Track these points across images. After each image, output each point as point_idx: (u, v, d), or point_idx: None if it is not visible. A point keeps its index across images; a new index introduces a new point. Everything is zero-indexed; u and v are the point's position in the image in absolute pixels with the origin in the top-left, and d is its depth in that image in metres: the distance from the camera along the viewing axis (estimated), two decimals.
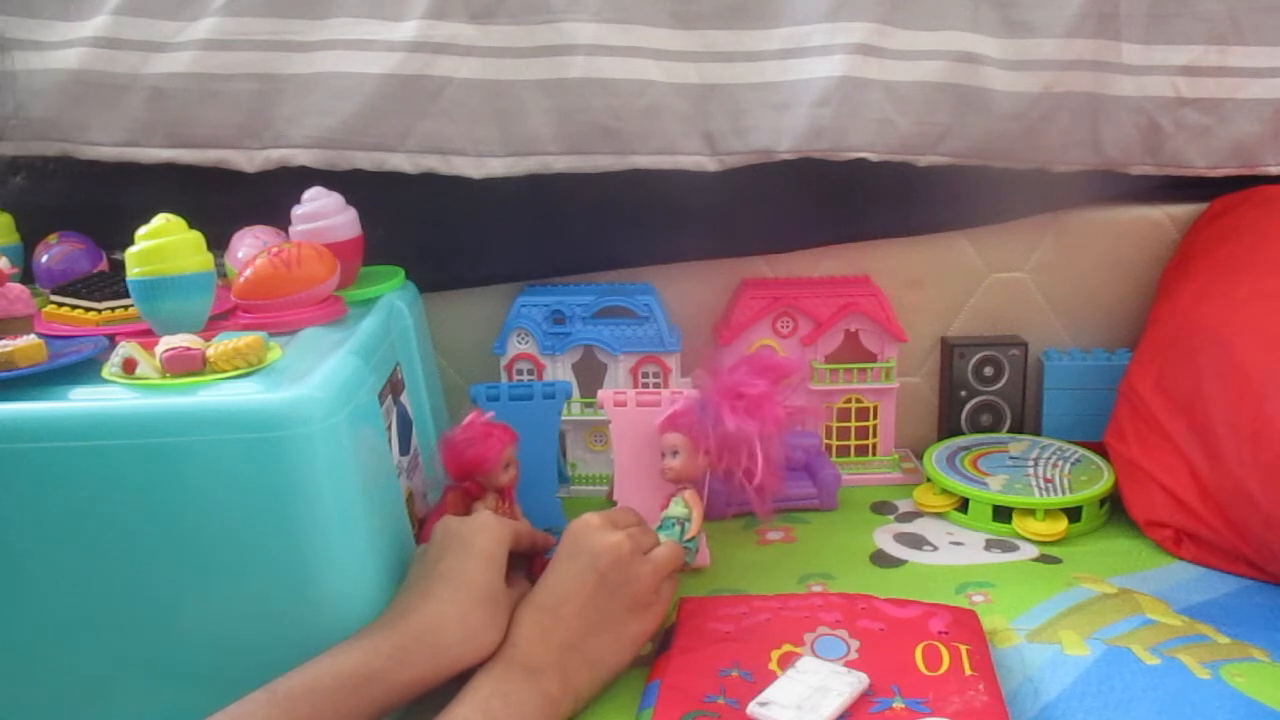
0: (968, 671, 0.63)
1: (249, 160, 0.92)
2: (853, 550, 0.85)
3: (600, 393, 0.85)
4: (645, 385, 0.97)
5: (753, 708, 0.60)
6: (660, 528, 0.76)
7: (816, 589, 0.79)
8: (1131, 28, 0.92)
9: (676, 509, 0.77)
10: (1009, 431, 1.03)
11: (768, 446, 0.76)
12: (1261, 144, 0.96)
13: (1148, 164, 0.97)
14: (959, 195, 0.97)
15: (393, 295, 0.87)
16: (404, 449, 0.79)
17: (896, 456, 1.01)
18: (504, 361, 0.98)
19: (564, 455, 0.99)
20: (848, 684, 0.62)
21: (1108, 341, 1.04)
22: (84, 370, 0.67)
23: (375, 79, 0.90)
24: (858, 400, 0.99)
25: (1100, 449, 0.93)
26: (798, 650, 0.67)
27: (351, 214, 0.85)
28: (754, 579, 0.80)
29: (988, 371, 1.02)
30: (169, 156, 0.92)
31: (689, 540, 0.76)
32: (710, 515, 0.89)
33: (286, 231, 0.84)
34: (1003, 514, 0.88)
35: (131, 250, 0.71)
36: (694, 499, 0.78)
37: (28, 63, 0.89)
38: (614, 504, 0.84)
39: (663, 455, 0.79)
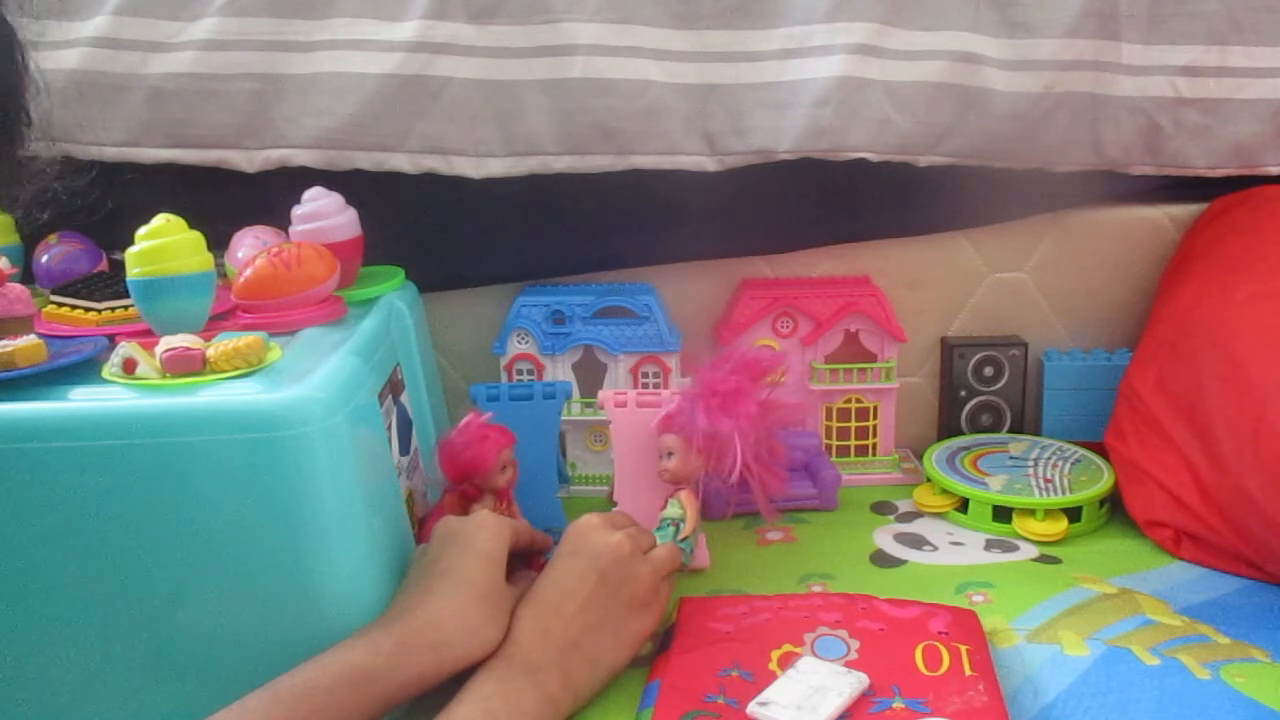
0: (968, 672, 0.63)
1: (249, 160, 0.92)
2: (853, 550, 0.85)
3: (600, 393, 0.85)
4: (645, 385, 0.97)
5: (753, 708, 0.60)
6: (657, 529, 0.76)
7: (816, 589, 0.79)
8: (1131, 28, 0.92)
9: (672, 510, 0.77)
10: (1009, 431, 1.03)
11: (747, 442, 0.76)
12: (1261, 144, 0.96)
13: (1148, 164, 0.97)
14: (959, 195, 0.97)
15: (393, 295, 0.87)
16: (404, 449, 0.79)
17: (896, 456, 1.01)
18: (504, 361, 0.98)
19: (564, 455, 0.99)
20: (848, 684, 0.62)
21: (1108, 341, 1.04)
22: (84, 370, 0.67)
23: (375, 79, 0.90)
24: (858, 400, 0.99)
25: (1100, 449, 0.93)
26: (798, 650, 0.67)
27: (351, 214, 0.85)
28: (754, 579, 0.80)
29: (988, 371, 1.02)
30: (169, 156, 0.92)
31: (683, 540, 0.76)
32: (711, 515, 0.89)
33: (286, 231, 0.85)
34: (1003, 514, 0.88)
35: (131, 250, 0.71)
36: (689, 499, 0.78)
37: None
38: (614, 504, 0.84)
39: (660, 457, 0.79)
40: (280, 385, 0.63)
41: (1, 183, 0.53)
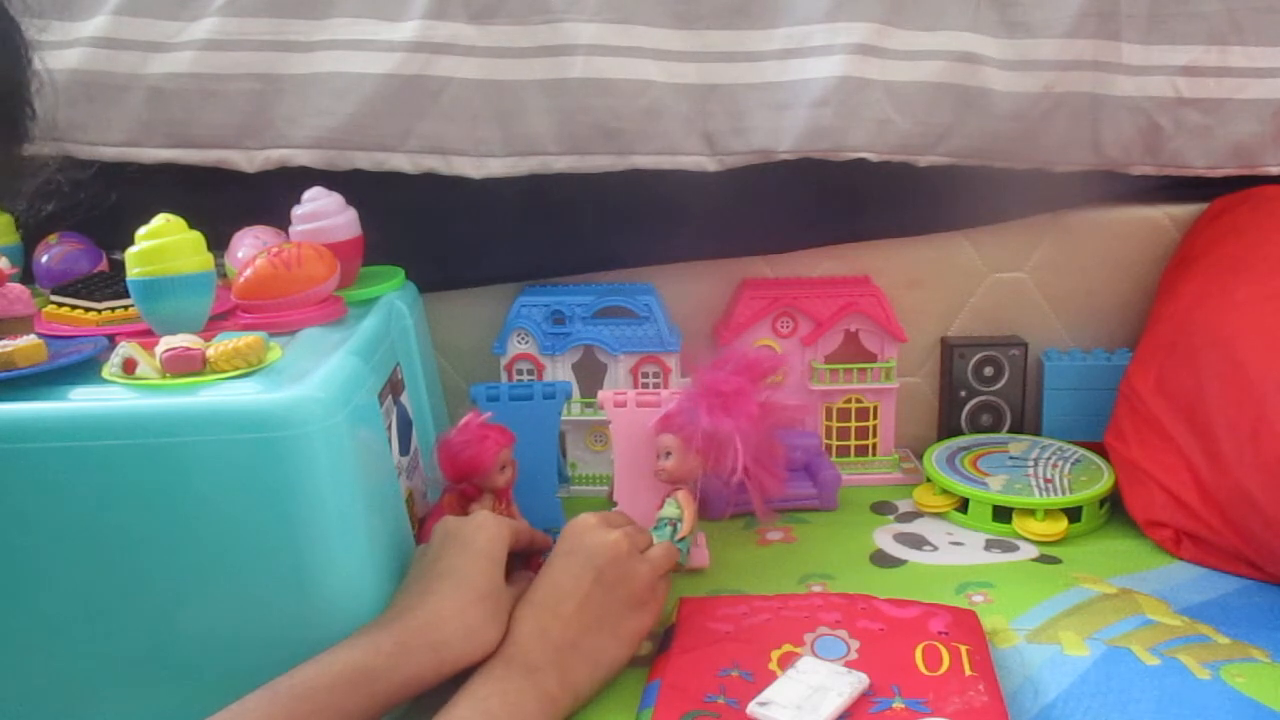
0: (968, 672, 0.63)
1: (249, 160, 0.92)
2: (853, 550, 0.85)
3: (600, 393, 0.85)
4: (645, 385, 0.97)
5: (753, 708, 0.60)
6: (654, 529, 0.76)
7: (816, 589, 0.79)
8: (1131, 28, 0.92)
9: (669, 510, 0.77)
10: (1009, 431, 1.03)
11: (747, 443, 0.76)
12: (1261, 144, 0.96)
13: (1148, 164, 0.97)
14: (959, 195, 0.97)
15: (393, 295, 0.87)
16: (404, 449, 0.79)
17: (896, 456, 1.01)
18: (504, 361, 0.98)
19: (564, 455, 0.99)
20: (848, 684, 0.62)
21: (1108, 341, 1.04)
22: (84, 370, 0.67)
23: (375, 79, 0.90)
24: (858, 400, 0.99)
25: (1100, 449, 0.93)
26: (798, 650, 0.67)
27: (351, 214, 0.85)
28: (754, 579, 0.80)
29: (988, 371, 1.02)
30: (169, 156, 0.92)
31: (680, 540, 0.76)
32: (710, 516, 0.89)
33: (286, 231, 0.85)
34: (1003, 514, 0.88)
35: (131, 250, 0.71)
36: (686, 499, 0.78)
37: None
38: (614, 504, 0.84)
39: (657, 457, 0.79)
40: (280, 385, 0.63)
41: (6, 178, 0.54)
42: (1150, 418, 0.87)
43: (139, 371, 0.64)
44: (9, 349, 0.65)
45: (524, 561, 0.75)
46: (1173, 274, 0.97)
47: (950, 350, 1.02)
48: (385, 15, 0.90)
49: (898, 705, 0.61)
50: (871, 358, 0.99)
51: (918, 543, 0.87)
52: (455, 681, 0.60)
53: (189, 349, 0.64)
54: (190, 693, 0.59)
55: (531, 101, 0.91)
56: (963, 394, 1.03)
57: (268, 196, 0.85)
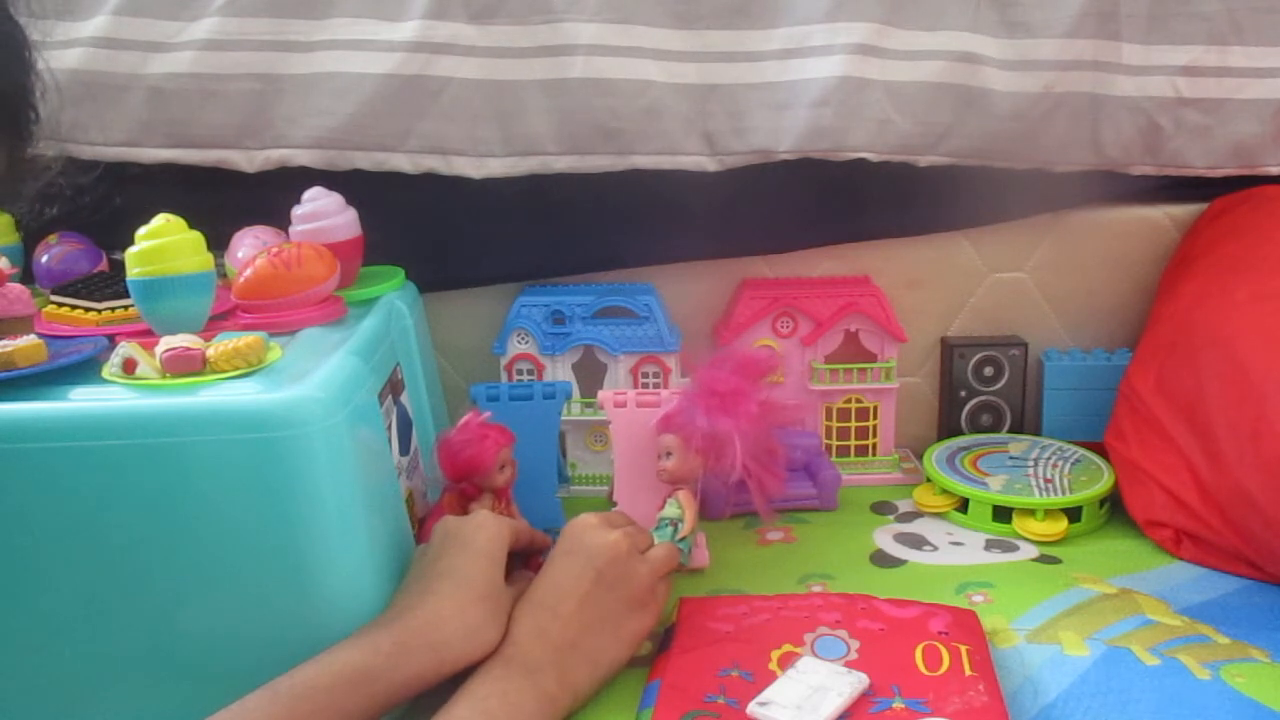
0: (968, 672, 0.63)
1: (249, 160, 0.92)
2: (853, 550, 0.85)
3: (600, 393, 0.85)
4: (645, 385, 0.97)
5: (753, 708, 0.60)
6: (655, 529, 0.76)
7: (816, 589, 0.79)
8: (1131, 28, 0.92)
9: (670, 510, 0.77)
10: (1009, 431, 1.03)
11: (746, 442, 0.76)
12: (1261, 144, 0.96)
13: (1148, 164, 0.97)
14: (959, 195, 0.97)
15: (393, 295, 0.87)
16: (404, 449, 0.79)
17: (896, 456, 1.01)
18: (504, 361, 0.98)
19: (564, 455, 0.99)
20: (848, 684, 0.62)
21: (1108, 341, 1.04)
22: (84, 370, 0.67)
23: (375, 79, 0.90)
24: (858, 400, 0.99)
25: (1100, 449, 0.93)
26: (798, 650, 0.67)
27: (351, 214, 0.85)
28: (754, 579, 0.80)
29: (988, 371, 1.02)
30: (169, 156, 0.92)
31: (681, 540, 0.76)
32: (710, 516, 0.89)
33: (286, 231, 0.85)
34: (1003, 514, 0.88)
35: (131, 250, 0.71)
36: (687, 499, 0.78)
37: None
38: (614, 504, 0.84)
39: (658, 457, 0.79)
40: (280, 385, 0.63)
41: (10, 180, 0.54)
42: (1150, 418, 0.87)
43: (139, 371, 0.64)
44: (9, 349, 0.65)
45: (524, 561, 0.75)
46: (1173, 274, 0.97)
47: (950, 350, 1.02)
48: (385, 15, 0.90)
49: (898, 705, 0.61)
50: (871, 358, 0.99)
51: (918, 543, 0.87)
52: (455, 681, 0.60)
53: (189, 349, 0.64)
54: (190, 692, 0.59)
55: (531, 101, 0.91)
56: (963, 394, 1.03)
57: (268, 196, 0.85)
